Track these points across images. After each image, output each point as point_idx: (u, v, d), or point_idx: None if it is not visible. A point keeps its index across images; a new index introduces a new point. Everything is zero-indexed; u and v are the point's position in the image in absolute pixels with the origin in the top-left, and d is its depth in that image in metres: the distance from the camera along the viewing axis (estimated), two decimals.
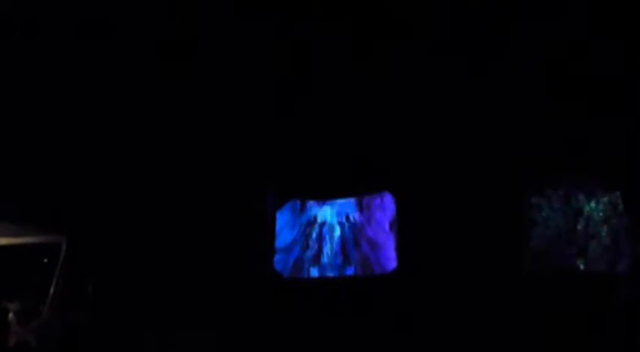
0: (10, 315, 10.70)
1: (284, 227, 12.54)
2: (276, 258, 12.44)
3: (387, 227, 11.56)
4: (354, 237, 11.81)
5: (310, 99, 12.17)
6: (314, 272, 11.96)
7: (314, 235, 12.23)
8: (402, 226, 11.28)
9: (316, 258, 12.01)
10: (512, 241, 10.28)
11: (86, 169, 13.58)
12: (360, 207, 11.96)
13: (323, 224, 12.19)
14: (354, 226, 11.89)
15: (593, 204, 9.80)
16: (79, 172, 13.58)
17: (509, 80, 10.16)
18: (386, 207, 11.71)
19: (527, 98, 10.18)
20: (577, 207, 9.86)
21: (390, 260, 11.29)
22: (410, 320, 9.66)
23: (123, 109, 13.16)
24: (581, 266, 9.60)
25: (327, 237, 12.06)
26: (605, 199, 9.74)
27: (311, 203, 12.41)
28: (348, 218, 12.00)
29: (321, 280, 11.80)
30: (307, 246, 12.22)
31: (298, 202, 12.58)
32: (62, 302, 11.41)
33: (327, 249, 12.01)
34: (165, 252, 12.39)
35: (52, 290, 11.49)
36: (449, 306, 9.79)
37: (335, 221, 12.11)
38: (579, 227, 9.77)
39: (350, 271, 11.66)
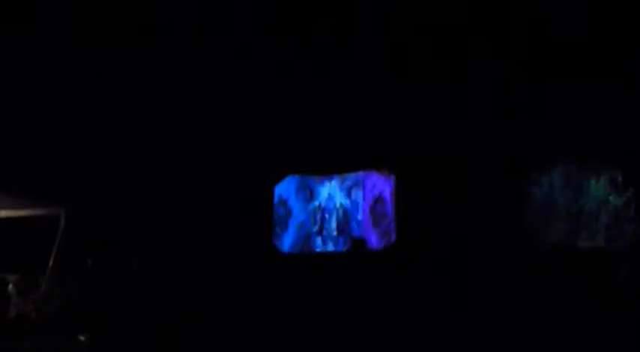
0: (10, 287, 10.82)
1: (284, 203, 12.58)
2: (276, 232, 12.52)
3: (385, 203, 11.64)
4: (353, 214, 11.91)
5: (309, 76, 12.11)
6: (314, 248, 12.10)
7: (314, 212, 12.34)
8: (398, 203, 11.27)
9: (316, 234, 12.15)
10: (511, 218, 10.26)
11: (85, 141, 13.59)
12: (359, 183, 12.01)
13: (323, 200, 12.28)
14: (353, 203, 11.96)
15: (593, 182, 9.74)
16: (77, 144, 13.59)
17: (508, 58, 10.06)
18: (375, 185, 11.79)
19: (525, 75, 10.08)
20: (577, 184, 9.81)
21: (389, 235, 11.37)
22: (403, 298, 9.69)
23: (123, 84, 13.14)
24: (581, 244, 9.59)
25: (327, 214, 12.19)
26: (605, 176, 9.68)
27: (311, 179, 12.44)
28: (348, 194, 12.08)
29: (322, 255, 11.93)
30: (307, 222, 12.33)
31: (298, 178, 12.61)
32: (61, 274, 11.48)
33: (327, 226, 12.13)
34: (166, 225, 12.45)
35: (51, 262, 11.55)
36: (446, 284, 9.81)
37: (335, 198, 12.19)
38: (579, 204, 9.73)
39: (341, 244, 11.83)
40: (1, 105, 13.52)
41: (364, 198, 11.85)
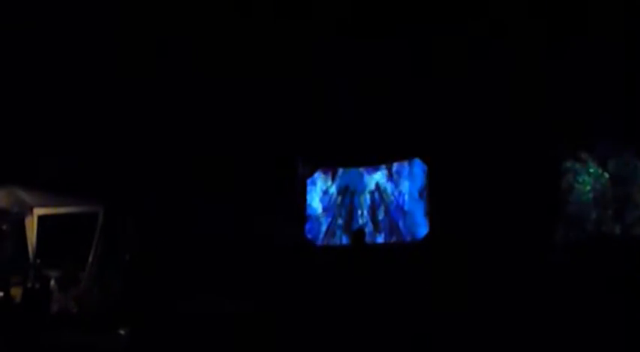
0: (52, 283, 11.12)
1: (316, 196, 12.58)
2: (309, 226, 12.55)
3: (416, 194, 11.48)
4: (383, 205, 11.78)
5: (340, 68, 12.10)
6: (345, 240, 12.02)
7: (345, 203, 12.24)
8: (433, 193, 11.15)
9: (347, 226, 12.06)
10: (547, 207, 10.05)
11: (121, 141, 13.86)
12: (390, 175, 11.88)
13: (354, 192, 12.17)
14: (384, 194, 11.83)
15: (630, 168, 9.45)
16: (114, 144, 13.87)
17: (544, 44, 9.86)
18: (415, 174, 11.60)
19: (562, 62, 9.84)
20: (613, 171, 9.53)
21: (420, 227, 11.24)
22: (440, 287, 9.58)
23: (157, 82, 13.34)
24: (618, 231, 9.33)
25: (358, 205, 12.06)
26: None
27: (342, 172, 12.38)
28: (378, 186, 11.94)
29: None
30: (339, 214, 12.26)
31: (330, 171, 12.58)
32: (100, 269, 11.74)
33: (358, 217, 12.03)
34: (199, 221, 12.60)
35: (90, 258, 11.82)
36: (481, 273, 9.66)
37: (366, 189, 12.07)
38: (615, 191, 9.47)
39: (380, 238, 11.68)
40: (46, 113, 13.93)
41: (395, 190, 11.73)
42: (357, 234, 10.45)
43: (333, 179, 12.48)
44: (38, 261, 10.95)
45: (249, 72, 12.49)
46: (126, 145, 13.64)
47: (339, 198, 12.31)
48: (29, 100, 14.07)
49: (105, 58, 13.16)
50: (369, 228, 11.78)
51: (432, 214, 11.19)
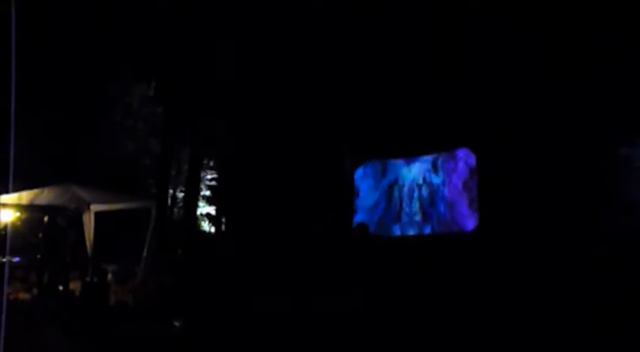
0: (110, 276, 11.48)
1: (368, 190, 12.58)
2: (362, 217, 12.56)
3: (460, 185, 11.38)
4: (430, 196, 11.74)
5: (387, 60, 12.05)
6: (396, 230, 12.01)
7: (395, 195, 12.23)
8: (480, 183, 10.99)
9: (397, 217, 12.05)
10: (601, 195, 9.78)
11: (174, 136, 14.22)
12: (436, 166, 11.81)
13: (403, 185, 12.16)
14: (431, 187, 11.78)
15: None
16: (168, 142, 14.25)
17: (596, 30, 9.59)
18: (459, 167, 11.55)
19: (611, 47, 9.54)
20: None
21: (466, 218, 11.14)
22: (489, 277, 9.43)
23: (205, 83, 13.63)
24: None
25: (407, 198, 12.04)
26: None
27: (391, 164, 12.35)
28: (425, 179, 11.90)
29: (403, 238, 11.83)
30: (390, 206, 12.26)
31: (378, 162, 12.56)
32: (154, 264, 12.05)
33: (407, 209, 12.00)
34: (249, 216, 12.77)
35: (144, 253, 12.14)
36: (531, 263, 9.47)
37: (414, 183, 12.03)
38: None
39: (428, 229, 11.63)
40: (102, 120, 14.45)
41: (453, 178, 11.62)
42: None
43: (384, 171, 12.45)
44: (96, 255, 11.25)
45: (302, 66, 12.63)
46: (178, 141, 13.99)
47: (389, 190, 12.29)
48: (87, 103, 14.62)
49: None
50: (417, 219, 11.75)
51: (480, 204, 11.01)
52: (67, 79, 14.11)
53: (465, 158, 11.49)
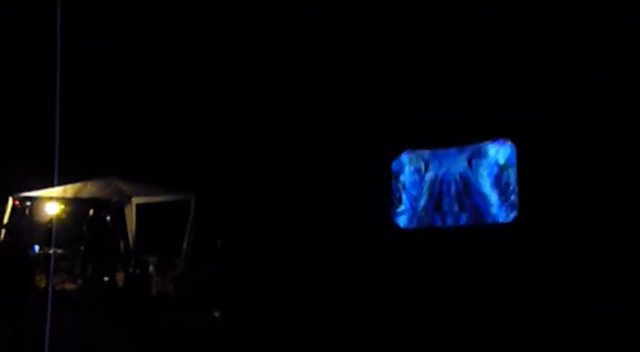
0: (151, 268, 11.71)
1: (414, 183, 12.52)
2: (396, 209, 12.54)
3: (494, 176, 11.30)
4: (466, 187, 11.67)
5: (421, 50, 11.95)
6: (437, 220, 11.96)
7: (434, 186, 12.17)
8: (522, 173, 10.81)
9: (437, 208, 12.01)
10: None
11: (213, 133, 14.39)
12: (471, 157, 11.71)
13: (443, 177, 12.08)
14: (466, 176, 11.70)
15: None
16: (206, 136, 14.43)
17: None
18: (492, 160, 11.44)
19: None
20: None
21: (499, 210, 11.10)
22: (526, 267, 9.29)
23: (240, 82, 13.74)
24: None
25: (446, 187, 11.97)
26: None
27: (430, 154, 12.27)
28: (462, 168, 11.83)
29: (442, 230, 11.79)
30: (429, 196, 12.21)
31: (415, 152, 12.50)
32: (194, 254, 12.23)
33: (446, 199, 11.95)
34: (288, 208, 12.82)
35: (184, 244, 12.34)
36: (567, 254, 9.28)
37: (452, 171, 11.94)
38: None
39: (463, 219, 11.58)
40: (144, 111, 14.71)
41: (487, 169, 11.50)
42: None
43: (425, 162, 12.38)
44: (138, 247, 11.49)
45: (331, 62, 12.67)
46: (218, 136, 14.13)
47: (429, 181, 12.22)
48: (127, 98, 14.89)
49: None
50: (455, 209, 11.70)
51: (521, 196, 10.86)
52: (108, 72, 14.38)
53: (498, 150, 11.34)
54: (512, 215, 10.98)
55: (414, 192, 12.32)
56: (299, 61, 13.14)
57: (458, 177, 11.80)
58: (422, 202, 12.18)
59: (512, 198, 11.00)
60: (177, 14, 13.77)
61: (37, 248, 11.43)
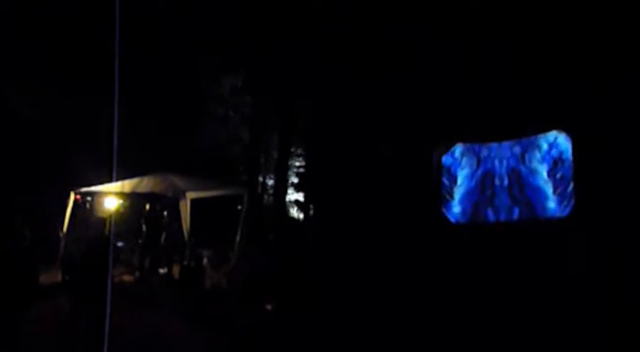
0: (205, 261, 11.98)
1: (465, 178, 12.39)
2: (446, 203, 12.41)
3: (548, 170, 11.02)
4: (519, 180, 11.45)
5: (474, 45, 11.80)
6: (490, 215, 11.79)
7: (487, 180, 12.01)
8: (578, 166, 10.51)
9: (490, 202, 11.83)
10: None
11: (265, 130, 14.60)
12: (525, 150, 11.48)
13: (493, 168, 11.90)
14: (518, 169, 11.47)
15: None
16: (258, 134, 14.65)
17: None
18: (546, 153, 11.16)
19: None
20: None
21: (551, 202, 10.81)
22: (581, 262, 9.03)
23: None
24: None
25: (498, 181, 11.79)
26: None
27: (482, 148, 12.09)
28: (514, 161, 11.61)
29: (495, 224, 11.61)
30: (482, 190, 12.05)
31: (467, 146, 12.34)
32: (247, 248, 12.43)
33: (499, 193, 11.77)
34: (339, 202, 12.88)
35: (237, 237, 12.56)
36: (624, 250, 8.97)
37: (505, 164, 11.74)
38: None
39: (516, 213, 11.35)
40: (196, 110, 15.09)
41: (541, 162, 11.25)
42: None
43: (477, 156, 12.21)
44: (192, 241, 11.75)
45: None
46: (269, 130, 14.33)
47: (482, 175, 12.06)
48: (182, 96, 15.27)
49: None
50: (506, 203, 11.50)
51: (577, 189, 10.56)
52: (162, 73, 14.74)
53: (553, 143, 11.08)
54: (568, 209, 10.69)
55: (466, 186, 12.17)
56: (344, 56, 13.16)
57: (510, 171, 11.61)
58: (474, 196, 12.03)
59: (567, 191, 10.71)
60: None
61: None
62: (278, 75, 14.31)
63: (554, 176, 11.01)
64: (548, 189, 11.08)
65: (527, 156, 11.44)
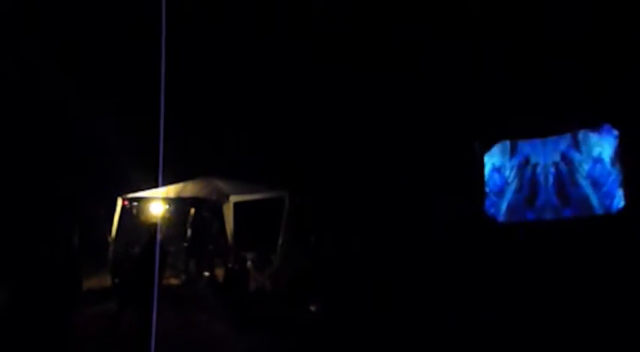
0: (249, 263, 12.10)
1: (495, 171, 12.14)
2: (489, 202, 12.18)
3: (608, 163, 10.55)
4: (571, 176, 10.97)
5: (518, 40, 11.62)
6: (529, 216, 11.45)
7: (527, 177, 11.63)
8: (628, 161, 10.17)
9: (531, 201, 11.46)
10: None
11: (303, 130, 14.66)
12: (576, 144, 11.02)
13: (536, 165, 11.50)
14: (570, 164, 11.03)
15: None
16: (295, 135, 14.71)
17: None
18: (605, 141, 10.67)
19: None
20: None
21: (615, 199, 10.34)
22: (632, 262, 8.72)
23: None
24: None
25: (542, 178, 11.37)
26: None
27: (522, 144, 11.78)
28: (564, 156, 11.14)
29: (538, 223, 11.27)
30: (521, 188, 11.70)
31: (508, 143, 12.05)
32: (289, 251, 12.49)
33: (542, 191, 11.36)
34: (382, 202, 12.82)
35: (280, 240, 12.64)
36: None
37: (549, 161, 11.33)
38: None
39: (568, 212, 10.93)
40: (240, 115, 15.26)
41: (588, 159, 10.85)
42: None
43: (513, 152, 11.90)
44: (236, 244, 11.88)
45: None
46: (310, 132, 14.37)
47: (520, 172, 11.72)
48: (223, 100, 15.48)
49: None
50: (554, 202, 11.11)
51: (628, 184, 10.19)
52: (204, 78, 14.96)
53: (601, 139, 10.73)
54: (617, 207, 10.35)
55: (509, 184, 11.88)
56: (390, 54, 13.12)
57: (555, 168, 11.22)
58: (518, 194, 11.72)
59: (617, 189, 10.36)
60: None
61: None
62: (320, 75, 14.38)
63: (603, 172, 10.61)
64: (596, 185, 10.68)
65: (573, 152, 11.05)
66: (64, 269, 7.09)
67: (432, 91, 12.55)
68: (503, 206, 11.89)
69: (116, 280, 11.35)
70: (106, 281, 11.54)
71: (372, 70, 13.35)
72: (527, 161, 11.63)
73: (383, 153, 13.21)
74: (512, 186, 11.79)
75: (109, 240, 12.40)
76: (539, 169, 11.42)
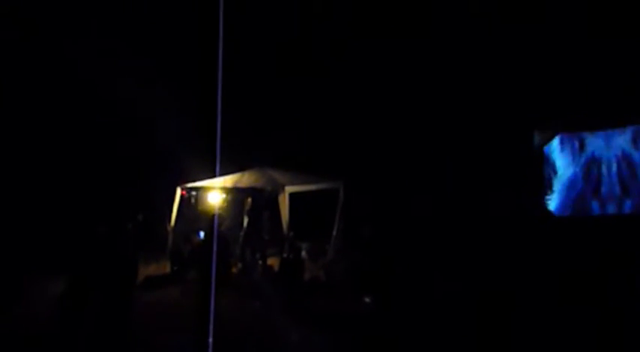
0: (303, 253, 12.19)
1: (566, 166, 11.86)
2: (561, 195, 11.93)
3: None
4: (631, 170, 10.68)
5: (576, 31, 11.28)
6: (595, 207, 11.19)
7: (592, 170, 11.38)
8: None
9: (596, 192, 11.22)
10: None
11: (359, 123, 14.67)
12: (636, 141, 10.71)
13: (601, 160, 11.24)
14: (630, 159, 10.72)
15: None
16: (351, 127, 14.74)
17: None
18: None
19: None
20: None
21: None
22: None
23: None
24: None
25: (606, 172, 11.11)
26: None
27: (589, 141, 11.47)
28: (624, 152, 10.87)
29: (603, 218, 10.97)
30: (586, 181, 11.45)
31: (576, 141, 11.76)
32: (343, 242, 12.54)
33: (606, 183, 11.10)
34: (436, 196, 12.71)
35: (334, 231, 12.70)
36: None
37: (612, 156, 11.05)
38: None
39: (629, 204, 10.65)
40: (299, 105, 15.40)
41: None
42: None
43: (581, 147, 11.60)
44: (291, 233, 11.99)
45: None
46: (366, 124, 14.38)
47: (587, 166, 11.44)
48: (280, 94, 15.65)
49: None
50: (616, 193, 10.82)
51: None
52: (260, 69, 15.15)
53: None
54: None
55: (569, 177, 11.59)
56: (444, 48, 12.97)
57: (620, 159, 10.90)
58: (577, 187, 11.44)
59: None
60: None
61: (202, 234, 12.36)
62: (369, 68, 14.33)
63: None
64: None
65: (638, 145, 10.70)
66: (121, 255, 7.36)
67: (494, 84, 12.33)
68: (562, 199, 11.64)
69: (175, 267, 11.68)
70: (166, 268, 11.90)
71: (431, 61, 13.21)
72: (592, 155, 11.37)
73: (441, 145, 13.08)
74: (578, 179, 11.52)
75: (169, 228, 12.75)
76: (603, 163, 11.17)
